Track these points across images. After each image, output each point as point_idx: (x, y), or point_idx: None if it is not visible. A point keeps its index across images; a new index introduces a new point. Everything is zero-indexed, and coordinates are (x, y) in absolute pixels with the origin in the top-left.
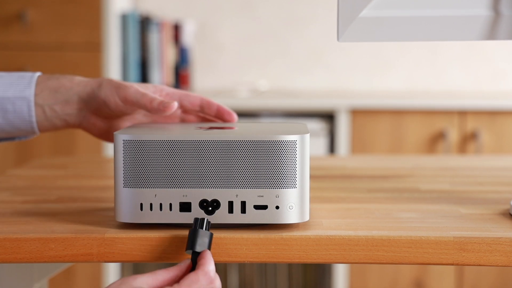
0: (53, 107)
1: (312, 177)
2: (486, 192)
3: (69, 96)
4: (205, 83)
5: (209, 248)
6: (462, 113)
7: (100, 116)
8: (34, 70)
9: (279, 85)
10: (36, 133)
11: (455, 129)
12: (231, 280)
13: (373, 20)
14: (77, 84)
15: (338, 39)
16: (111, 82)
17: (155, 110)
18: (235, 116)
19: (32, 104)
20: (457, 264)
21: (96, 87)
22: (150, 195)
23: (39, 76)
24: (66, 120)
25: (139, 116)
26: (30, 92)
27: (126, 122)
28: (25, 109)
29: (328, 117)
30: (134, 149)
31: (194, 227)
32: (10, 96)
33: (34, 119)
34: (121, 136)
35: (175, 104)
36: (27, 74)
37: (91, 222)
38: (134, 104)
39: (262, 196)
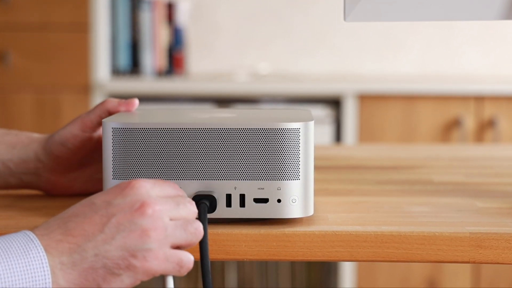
0: (8, 163)
1: (316, 168)
2: (504, 184)
3: (26, 154)
4: (201, 66)
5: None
6: (479, 99)
7: (59, 171)
8: (17, 52)
9: (280, 69)
10: None
11: (471, 116)
12: (229, 280)
13: None
14: (35, 141)
15: (344, 18)
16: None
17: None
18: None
19: None
20: (473, 262)
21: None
22: None
23: None
24: (22, 179)
25: (92, 168)
26: None
27: (87, 172)
28: None
29: (334, 103)
30: (124, 138)
31: None
32: None
33: None
34: (110, 124)
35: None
36: None
37: None
38: (98, 120)
39: (263, 188)
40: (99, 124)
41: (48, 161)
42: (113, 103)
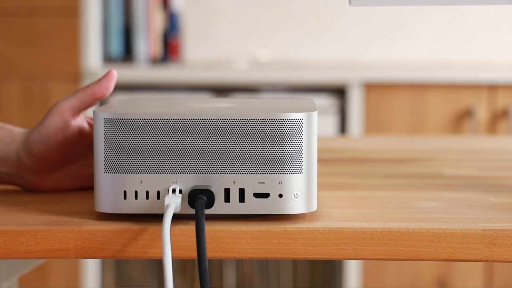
0: None
1: (320, 161)
2: None
3: (7, 154)
4: (198, 53)
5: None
6: (492, 88)
7: (43, 173)
8: (3, 39)
9: (282, 56)
10: None
11: (483, 106)
12: (227, 279)
13: None
14: (16, 139)
15: (349, 2)
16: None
17: (103, 86)
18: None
19: None
20: (486, 261)
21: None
22: (135, 181)
23: None
24: (3, 178)
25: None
26: None
27: (73, 168)
28: None
29: (339, 92)
30: (117, 129)
31: None
32: None
33: None
34: (101, 114)
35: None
36: None
37: (68, 212)
38: (84, 108)
39: (263, 182)
40: (80, 110)
41: (30, 163)
42: (94, 85)
